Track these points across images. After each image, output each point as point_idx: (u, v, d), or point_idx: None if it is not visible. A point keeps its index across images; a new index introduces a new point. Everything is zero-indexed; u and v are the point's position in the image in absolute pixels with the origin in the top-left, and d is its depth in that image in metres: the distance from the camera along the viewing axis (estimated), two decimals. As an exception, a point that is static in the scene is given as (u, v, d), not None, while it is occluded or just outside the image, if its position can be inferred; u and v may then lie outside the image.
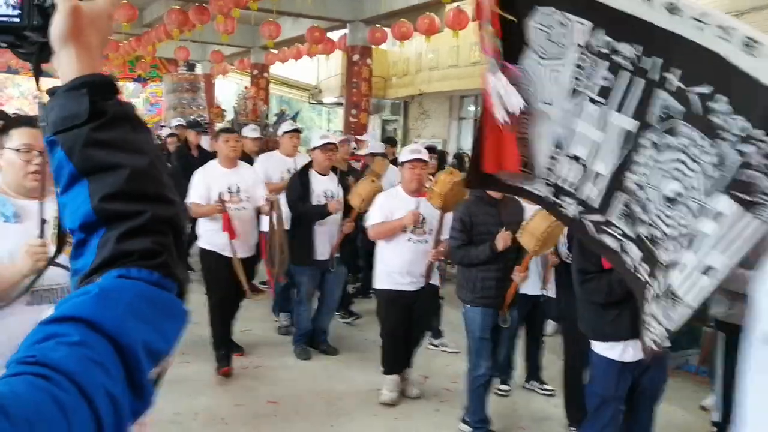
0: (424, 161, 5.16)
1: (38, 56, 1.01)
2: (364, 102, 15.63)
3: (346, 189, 6.16)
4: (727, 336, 4.23)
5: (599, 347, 3.63)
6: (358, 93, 15.54)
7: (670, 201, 2.05)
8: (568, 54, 2.20)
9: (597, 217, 2.29)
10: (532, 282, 4.94)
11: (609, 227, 2.27)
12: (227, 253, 5.58)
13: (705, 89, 1.89)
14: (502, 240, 4.36)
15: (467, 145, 18.98)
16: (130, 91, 26.23)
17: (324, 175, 6.12)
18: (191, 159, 8.56)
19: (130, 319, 0.80)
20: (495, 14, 2.30)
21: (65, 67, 0.95)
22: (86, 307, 0.79)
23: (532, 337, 5.59)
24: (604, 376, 3.60)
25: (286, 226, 5.97)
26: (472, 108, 19.23)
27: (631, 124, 2.12)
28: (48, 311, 0.81)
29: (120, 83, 25.21)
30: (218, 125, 14.03)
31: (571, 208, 2.44)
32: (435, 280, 5.23)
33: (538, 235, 4.21)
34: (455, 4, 12.47)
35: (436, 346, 6.64)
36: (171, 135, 10.82)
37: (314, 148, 6.24)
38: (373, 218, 5.22)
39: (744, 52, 1.76)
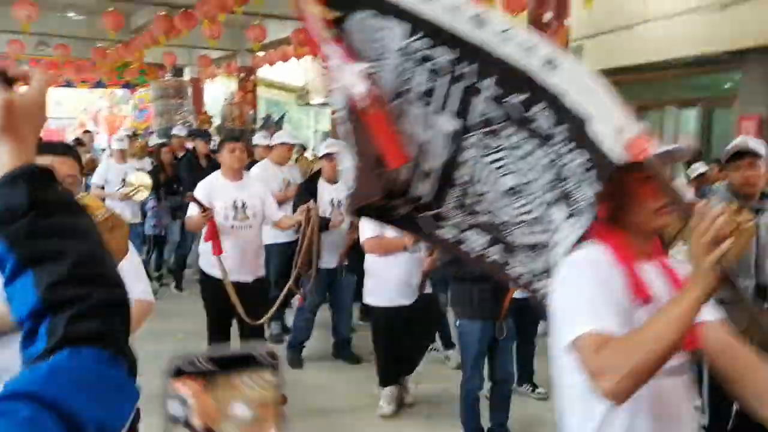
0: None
1: None
2: (352, 102, 15.57)
3: None
4: None
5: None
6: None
7: (510, 193, 2.18)
8: (388, 56, 2.21)
9: (432, 212, 2.34)
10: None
11: (444, 220, 2.33)
12: (218, 274, 5.12)
13: (519, 99, 2.03)
14: None
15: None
16: (118, 98, 26.15)
17: (332, 183, 6.08)
18: (201, 170, 8.24)
19: (82, 396, 0.80)
20: (324, 20, 2.24)
21: (1, 157, 0.95)
22: (36, 383, 0.79)
23: (523, 339, 5.58)
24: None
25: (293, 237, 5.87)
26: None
27: (453, 125, 2.19)
28: None
29: (108, 90, 25.18)
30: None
31: (402, 209, 2.40)
32: (428, 288, 5.21)
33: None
34: None
35: (447, 358, 6.50)
36: (163, 144, 10.57)
37: (322, 156, 6.22)
38: (367, 232, 5.06)
39: (546, 68, 1.92)
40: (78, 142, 13.50)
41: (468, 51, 2.07)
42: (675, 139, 12.41)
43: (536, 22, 10.39)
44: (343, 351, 6.55)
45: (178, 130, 11.76)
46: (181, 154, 10.23)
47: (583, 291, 1.76)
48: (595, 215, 1.87)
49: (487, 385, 4.83)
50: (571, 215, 1.96)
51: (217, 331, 5.34)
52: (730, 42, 9.97)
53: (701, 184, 8.49)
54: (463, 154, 2.21)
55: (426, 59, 2.15)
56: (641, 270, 1.87)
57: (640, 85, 13.25)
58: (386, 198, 2.35)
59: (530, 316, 5.33)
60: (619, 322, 1.70)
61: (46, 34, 18.58)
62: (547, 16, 10.26)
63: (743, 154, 3.94)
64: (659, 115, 12.91)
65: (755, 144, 3.97)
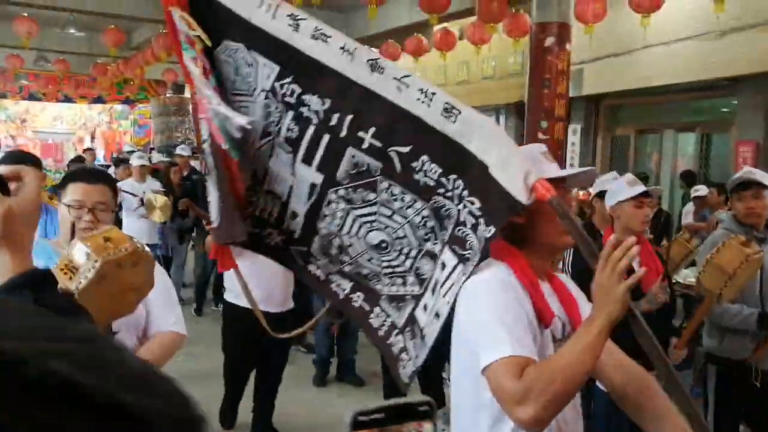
0: None
1: None
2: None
3: None
4: (719, 368, 4.29)
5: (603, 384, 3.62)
6: (347, 113, 15.59)
7: (378, 248, 2.07)
8: (257, 95, 2.07)
9: (301, 248, 2.21)
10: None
11: (312, 258, 2.21)
12: (243, 302, 4.42)
13: (405, 149, 1.93)
14: None
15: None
16: (118, 113, 26.19)
17: None
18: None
19: None
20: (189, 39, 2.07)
21: (0, 267, 0.96)
22: None
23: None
24: (607, 412, 3.61)
25: None
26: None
27: (317, 178, 2.06)
28: None
29: (108, 105, 25.19)
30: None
31: (276, 238, 2.29)
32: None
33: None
34: (442, 25, 12.60)
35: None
36: (171, 164, 10.39)
37: None
38: None
39: (444, 117, 1.87)
40: (79, 159, 13.52)
41: (346, 99, 1.95)
42: (674, 162, 12.55)
43: (538, 48, 10.54)
44: (347, 373, 6.58)
45: (182, 150, 11.62)
46: (185, 173, 10.23)
47: (498, 314, 1.78)
48: (477, 263, 1.86)
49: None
50: (460, 262, 1.88)
51: (241, 365, 5.12)
52: (727, 68, 10.13)
53: (701, 206, 8.60)
54: (329, 207, 2.08)
55: (294, 106, 2.01)
56: (543, 290, 1.96)
57: (639, 108, 13.42)
58: (257, 225, 2.24)
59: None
60: (533, 346, 1.77)
61: (46, 50, 18.63)
62: (549, 41, 10.41)
63: (748, 185, 4.03)
64: (658, 138, 13.06)
65: (760, 175, 4.07)
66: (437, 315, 1.93)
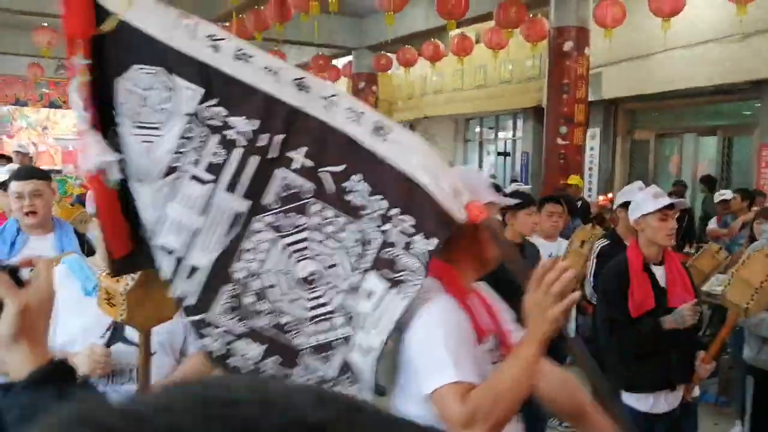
0: None
1: None
2: (371, 128, 15.67)
3: None
4: (757, 379, 4.23)
5: (629, 398, 3.58)
6: (365, 119, 15.60)
7: (307, 282, 1.92)
8: (172, 123, 1.90)
9: (195, 317, 1.96)
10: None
11: (209, 328, 1.96)
12: None
13: (337, 168, 1.87)
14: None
15: (473, 167, 19.06)
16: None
17: None
18: None
19: None
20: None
21: (19, 363, 0.97)
22: None
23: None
24: (633, 430, 3.57)
25: None
26: (477, 130, 19.28)
27: (243, 206, 1.90)
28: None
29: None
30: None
31: None
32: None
33: (577, 272, 4.13)
34: (459, 30, 12.56)
35: None
36: None
37: None
38: None
39: (374, 135, 1.84)
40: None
41: (275, 119, 1.87)
42: (695, 166, 12.42)
43: (557, 52, 10.49)
44: None
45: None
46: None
47: (440, 340, 1.82)
48: (420, 282, 1.80)
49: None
50: (392, 287, 1.82)
51: None
52: (749, 71, 10.02)
53: (725, 211, 8.49)
54: (252, 238, 1.92)
55: (219, 128, 1.88)
56: (474, 306, 1.99)
57: (660, 112, 13.30)
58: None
59: (562, 350, 5.29)
60: (475, 368, 1.81)
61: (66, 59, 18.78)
62: (568, 45, 10.36)
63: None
64: (678, 142, 12.94)
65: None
66: (368, 350, 1.85)
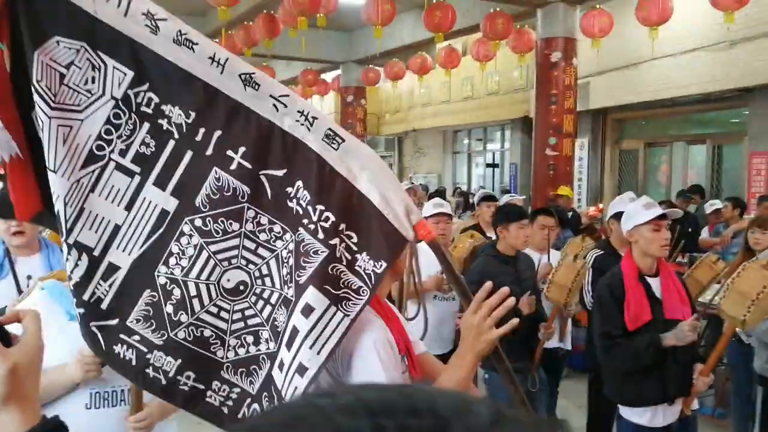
0: (449, 215, 4.92)
1: None
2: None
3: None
4: (765, 389, 4.19)
5: (627, 412, 3.53)
6: (354, 133, 15.57)
7: (233, 292, 1.79)
8: (97, 106, 1.70)
9: (106, 323, 1.79)
10: (549, 335, 4.86)
11: (122, 335, 1.80)
12: None
13: (278, 172, 1.74)
14: (527, 306, 4.20)
15: (462, 179, 19.06)
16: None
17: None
18: None
19: None
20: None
21: (9, 425, 0.94)
22: None
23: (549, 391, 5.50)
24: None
25: None
26: (465, 142, 19.29)
27: (171, 204, 1.75)
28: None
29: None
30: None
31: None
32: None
33: (569, 286, 4.10)
34: (446, 43, 12.56)
35: None
36: None
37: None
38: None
39: (325, 143, 1.73)
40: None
41: (214, 113, 1.71)
42: (684, 175, 12.43)
43: (544, 63, 10.48)
44: None
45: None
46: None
47: (370, 359, 1.79)
48: (363, 303, 1.75)
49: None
50: (333, 304, 1.73)
51: None
52: (738, 79, 10.04)
53: (717, 220, 8.47)
54: (180, 241, 1.75)
55: (151, 117, 1.72)
56: (392, 320, 1.98)
57: (648, 121, 13.32)
58: None
59: (559, 365, 5.23)
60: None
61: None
62: (555, 56, 10.35)
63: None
64: (668, 151, 12.95)
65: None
66: (301, 370, 1.72)
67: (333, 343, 1.72)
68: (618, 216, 4.33)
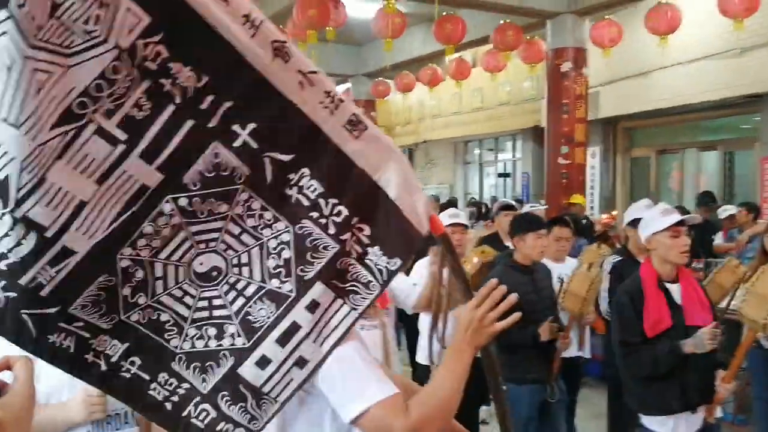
0: (464, 226, 4.88)
1: None
2: (371, 154, 15.73)
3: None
4: None
5: (648, 422, 3.50)
6: (364, 145, 15.65)
7: (203, 278, 1.61)
8: (93, 54, 1.40)
9: (42, 311, 1.52)
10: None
11: (62, 323, 1.55)
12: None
13: (285, 157, 1.56)
14: (547, 332, 4.12)
15: (473, 189, 19.06)
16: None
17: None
18: None
19: None
20: None
21: None
22: None
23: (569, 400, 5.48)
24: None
25: None
26: (477, 152, 19.30)
27: (153, 179, 1.49)
28: None
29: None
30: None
31: None
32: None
33: (583, 295, 4.09)
34: (456, 54, 12.61)
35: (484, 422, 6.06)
36: None
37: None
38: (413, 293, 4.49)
39: (346, 130, 1.60)
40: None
41: (231, 82, 1.49)
42: (696, 181, 12.40)
43: (555, 73, 10.52)
44: None
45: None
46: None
47: (354, 356, 1.72)
48: (371, 298, 1.68)
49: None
50: (340, 297, 1.65)
51: None
52: (748, 86, 10.03)
53: (731, 226, 8.46)
54: (158, 221, 1.53)
55: (153, 74, 1.44)
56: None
57: (659, 129, 13.31)
58: None
59: (578, 374, 5.21)
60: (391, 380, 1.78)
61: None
62: (566, 66, 10.39)
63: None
64: (679, 158, 12.93)
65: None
66: (300, 362, 1.65)
67: (337, 336, 1.66)
68: (635, 223, 4.34)
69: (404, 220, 1.67)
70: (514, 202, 8.24)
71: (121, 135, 1.45)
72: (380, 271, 1.66)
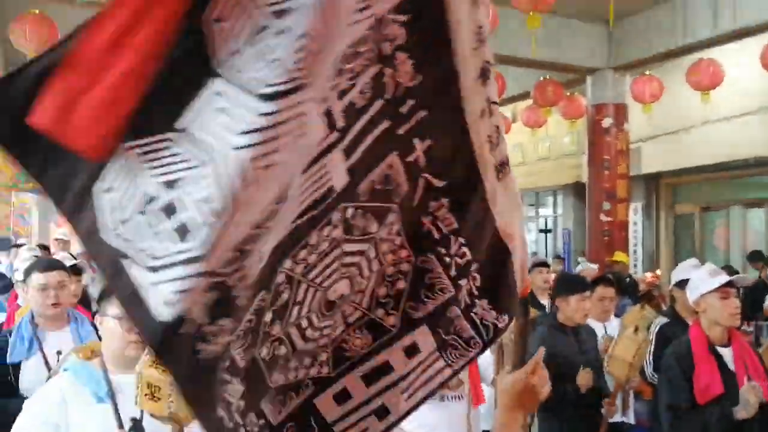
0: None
1: None
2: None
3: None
4: None
5: (698, 491, 3.35)
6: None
7: (328, 306, 1.37)
8: (357, 18, 1.20)
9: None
10: (611, 409, 4.69)
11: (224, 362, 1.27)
12: None
13: (439, 183, 1.38)
14: (584, 379, 4.00)
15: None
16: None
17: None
18: None
19: None
20: None
21: None
22: None
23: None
24: None
25: None
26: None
27: (341, 181, 1.28)
28: None
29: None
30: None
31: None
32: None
33: (630, 360, 3.95)
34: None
35: None
36: None
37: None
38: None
39: (496, 170, 1.45)
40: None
41: (432, 92, 1.33)
42: (743, 239, 12.14)
43: (595, 128, 10.48)
44: None
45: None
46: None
47: None
48: (471, 357, 1.53)
49: None
50: (438, 350, 1.47)
51: None
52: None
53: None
54: (323, 232, 1.31)
55: (384, 60, 1.26)
56: None
57: (703, 185, 13.11)
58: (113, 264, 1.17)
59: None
60: None
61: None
62: (607, 121, 10.34)
63: None
64: (724, 215, 12.69)
65: None
66: (381, 412, 1.44)
67: (425, 393, 1.47)
68: (682, 284, 4.23)
69: (514, 275, 1.53)
70: (547, 260, 8.12)
71: (341, 121, 1.24)
72: (486, 327, 1.48)
